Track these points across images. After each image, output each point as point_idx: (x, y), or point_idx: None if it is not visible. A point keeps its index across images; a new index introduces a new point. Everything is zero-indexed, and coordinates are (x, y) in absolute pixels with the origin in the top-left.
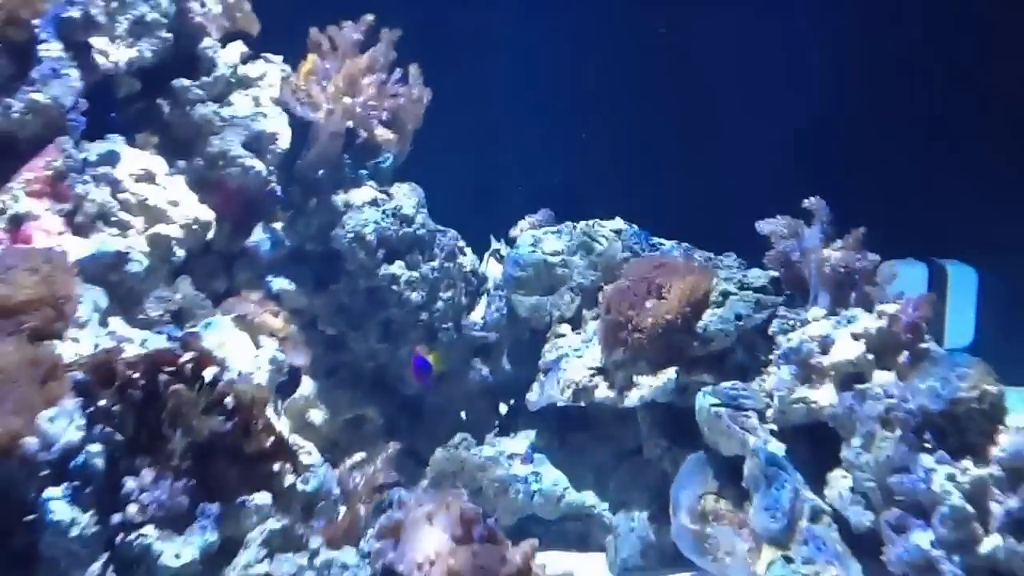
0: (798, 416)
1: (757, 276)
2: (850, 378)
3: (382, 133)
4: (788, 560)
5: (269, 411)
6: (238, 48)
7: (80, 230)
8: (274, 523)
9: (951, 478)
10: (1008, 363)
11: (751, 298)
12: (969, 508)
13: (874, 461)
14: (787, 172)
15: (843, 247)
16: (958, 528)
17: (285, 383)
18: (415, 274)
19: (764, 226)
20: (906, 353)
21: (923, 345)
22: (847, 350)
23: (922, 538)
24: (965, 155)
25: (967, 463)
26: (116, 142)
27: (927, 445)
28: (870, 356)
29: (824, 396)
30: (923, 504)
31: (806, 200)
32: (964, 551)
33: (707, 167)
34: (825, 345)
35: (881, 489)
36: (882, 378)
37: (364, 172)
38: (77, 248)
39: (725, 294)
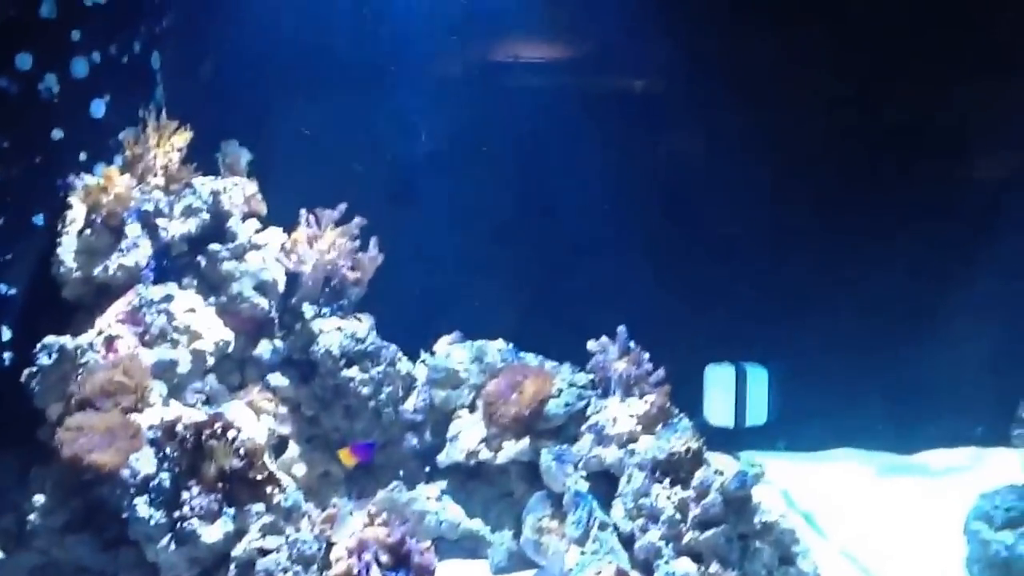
0: (595, 465)
1: (581, 377)
2: (627, 441)
3: (349, 279)
4: (585, 554)
5: (265, 457)
6: (253, 224)
7: (149, 345)
8: (266, 519)
9: (668, 499)
10: (789, 433)
11: (576, 392)
12: (678, 516)
13: (632, 492)
14: (628, 294)
15: (628, 360)
16: (671, 527)
17: (276, 446)
18: (366, 376)
19: (591, 344)
20: (660, 424)
21: (670, 419)
22: (625, 424)
23: (654, 535)
24: (756, 277)
25: (678, 489)
26: (170, 287)
27: (658, 480)
28: (639, 427)
29: (611, 454)
30: (655, 515)
31: (619, 327)
32: (675, 541)
33: (551, 301)
34: (611, 420)
35: (636, 508)
36: (645, 442)
37: (334, 307)
38: (148, 357)
39: (561, 390)
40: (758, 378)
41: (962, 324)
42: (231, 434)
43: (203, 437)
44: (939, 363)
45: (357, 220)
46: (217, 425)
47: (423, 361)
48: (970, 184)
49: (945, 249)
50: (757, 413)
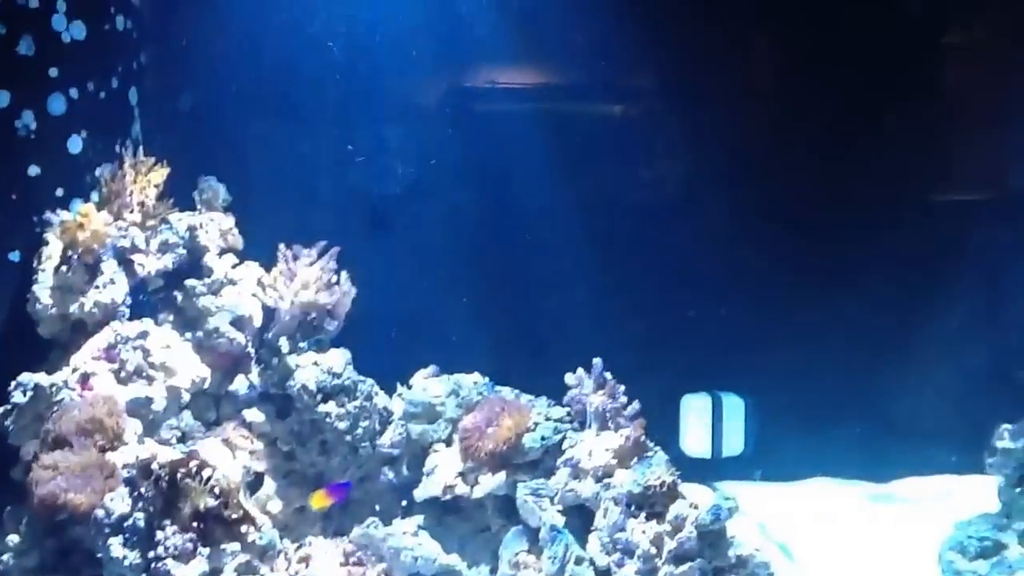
0: (571, 499)
1: (557, 411)
2: (602, 475)
3: (325, 314)
4: None
5: (240, 495)
6: (230, 259)
7: (124, 382)
8: (241, 558)
9: (644, 533)
10: (765, 463)
11: (552, 426)
12: (653, 550)
13: (607, 526)
14: (605, 325)
15: (603, 393)
16: (646, 562)
17: (252, 483)
18: (343, 411)
19: (568, 377)
20: (636, 458)
21: (645, 453)
22: (601, 458)
23: (630, 570)
24: (732, 307)
25: (653, 523)
26: (146, 323)
27: (633, 515)
28: (614, 461)
29: (586, 488)
30: (631, 550)
31: (595, 360)
32: (651, 575)
33: (528, 333)
34: (587, 454)
35: (612, 542)
36: (621, 476)
37: (311, 341)
38: (123, 394)
39: (537, 423)
40: (734, 408)
41: (936, 352)
42: (206, 473)
43: (178, 476)
44: (914, 391)
45: (332, 251)
46: (192, 464)
47: (400, 395)
48: (943, 214)
49: (919, 278)
50: (733, 443)
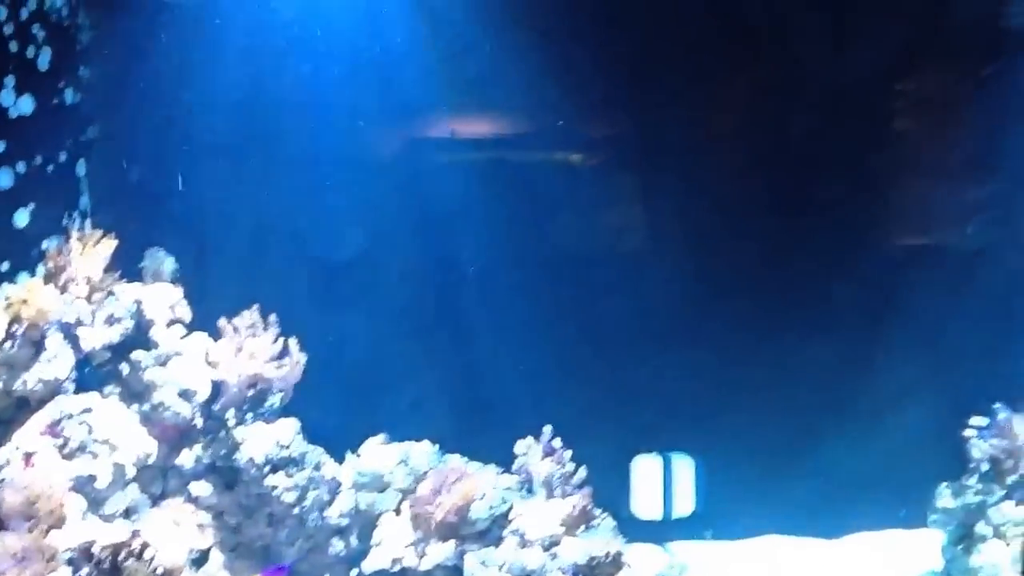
0: (519, 570)
1: (506, 479)
2: (549, 544)
3: (272, 384)
4: None
5: (185, 574)
6: (177, 330)
7: (68, 458)
8: None
9: None
10: (716, 522)
11: (501, 495)
12: None
13: None
14: (554, 389)
15: (551, 461)
16: None
17: (199, 558)
18: (290, 482)
19: (517, 445)
20: (582, 527)
21: (591, 521)
22: (548, 527)
23: None
24: (681, 368)
25: None
26: (91, 397)
27: None
28: (561, 529)
29: (534, 557)
30: None
31: (544, 427)
32: None
33: (478, 400)
34: (534, 523)
35: None
36: (568, 545)
37: (258, 412)
38: (67, 471)
39: (485, 493)
40: (684, 468)
41: (883, 409)
42: (148, 553)
43: (120, 558)
44: (862, 448)
45: (272, 319)
46: (135, 544)
47: (349, 464)
48: (886, 274)
49: (864, 337)
50: (684, 503)
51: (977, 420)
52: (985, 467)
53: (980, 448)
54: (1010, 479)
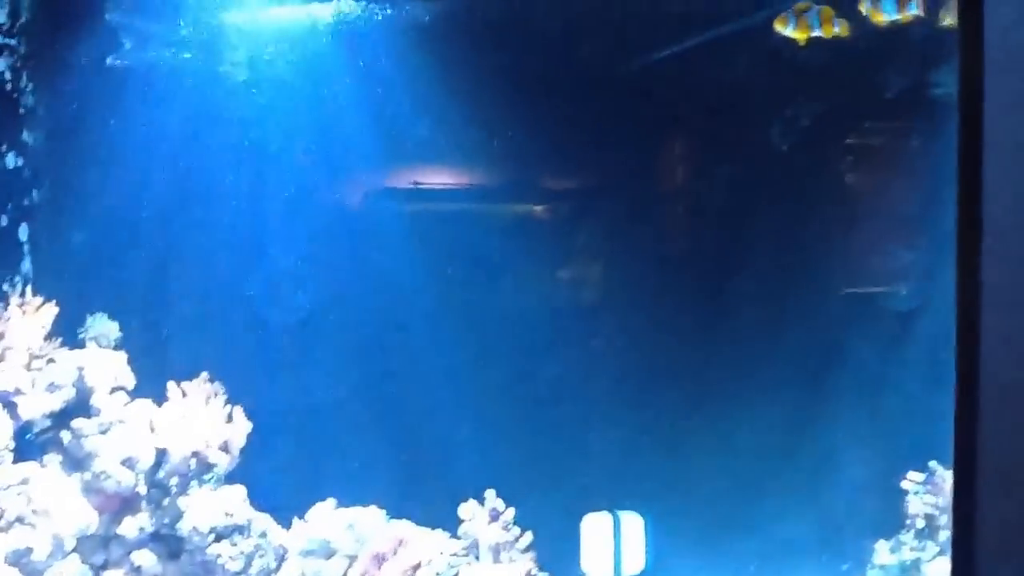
0: None
1: (451, 544)
2: None
3: (215, 453)
4: None
5: None
6: (120, 397)
7: (4, 530)
8: None
9: None
10: None
11: (447, 560)
12: None
13: None
14: (502, 450)
15: (496, 525)
16: None
17: None
18: (235, 550)
19: (461, 510)
20: None
21: None
22: None
23: None
24: (629, 425)
25: None
26: (30, 467)
27: None
28: None
29: None
30: None
31: (488, 491)
32: None
33: (426, 463)
34: None
35: None
36: None
37: (203, 479)
38: (2, 544)
39: (432, 559)
40: (634, 526)
41: (826, 464)
42: None
43: None
44: (805, 503)
45: (218, 385)
46: None
47: (296, 530)
48: (822, 330)
49: (807, 394)
50: (634, 562)
51: (914, 476)
52: (921, 523)
53: (915, 505)
54: (944, 536)
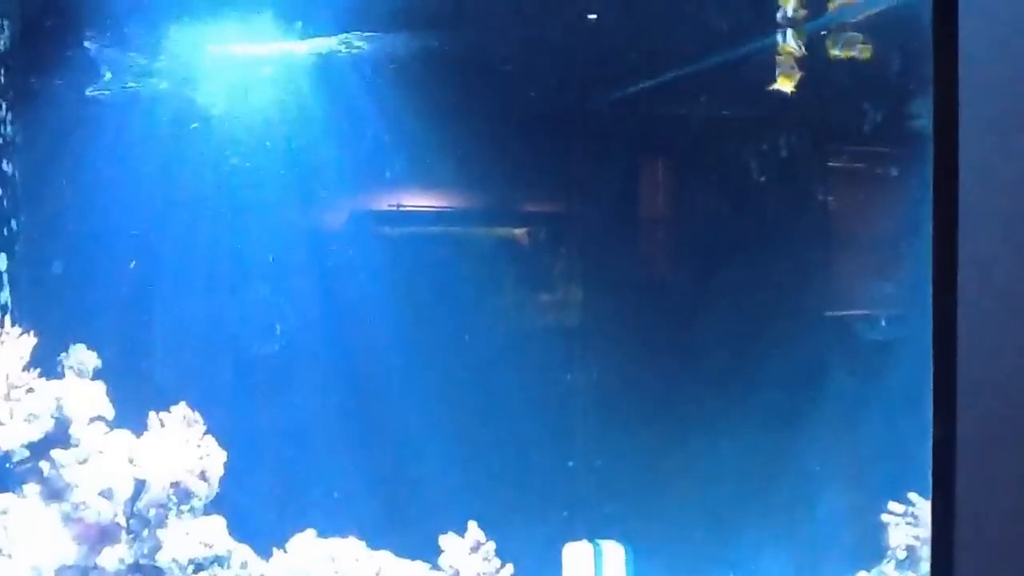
0: None
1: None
2: None
3: (194, 483)
4: None
5: None
6: (100, 428)
7: None
8: None
9: None
10: None
11: None
12: None
13: None
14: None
15: (477, 556)
16: None
17: None
18: None
19: (442, 541)
20: None
21: None
22: None
23: None
24: (611, 454)
25: None
26: (7, 498)
27: None
28: None
29: None
30: None
31: (470, 522)
32: None
33: (406, 493)
34: None
35: None
36: None
37: (182, 509)
38: None
39: None
40: (616, 556)
41: (806, 495)
42: None
43: None
44: (784, 536)
45: (197, 415)
46: None
47: (276, 561)
48: (813, 361)
49: (787, 423)
50: None
51: (894, 507)
52: (902, 555)
53: (896, 536)
54: (925, 567)
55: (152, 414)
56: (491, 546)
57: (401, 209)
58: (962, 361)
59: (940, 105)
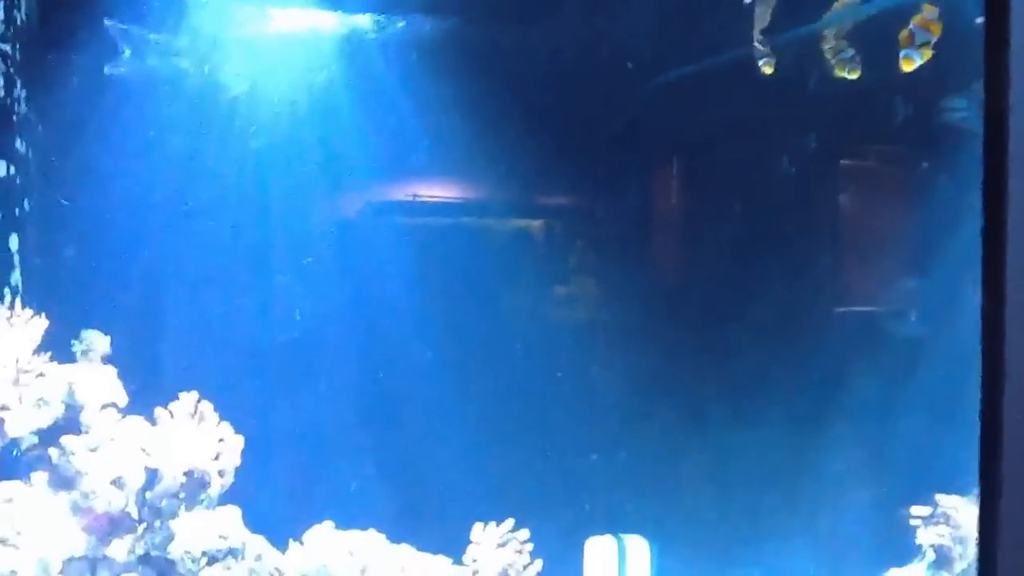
0: None
1: (456, 570)
2: None
3: (208, 473)
4: None
5: None
6: (111, 415)
7: None
8: None
9: None
10: None
11: None
12: None
13: None
14: (505, 471)
15: (506, 549)
16: None
17: None
18: (229, 574)
19: (472, 533)
20: None
21: None
22: None
23: None
24: (635, 448)
25: None
26: (14, 487)
27: None
28: None
29: None
30: None
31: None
32: None
33: (428, 484)
34: None
35: None
36: None
37: (196, 500)
38: None
39: None
40: (639, 550)
41: (831, 495)
42: None
43: None
44: (809, 534)
45: (210, 404)
46: None
47: (293, 553)
48: (838, 359)
49: (812, 422)
50: None
51: (918, 509)
52: (932, 556)
53: (925, 536)
54: (959, 567)
55: (165, 404)
56: (524, 534)
57: (419, 199)
58: (1010, 361)
59: (991, 105)
